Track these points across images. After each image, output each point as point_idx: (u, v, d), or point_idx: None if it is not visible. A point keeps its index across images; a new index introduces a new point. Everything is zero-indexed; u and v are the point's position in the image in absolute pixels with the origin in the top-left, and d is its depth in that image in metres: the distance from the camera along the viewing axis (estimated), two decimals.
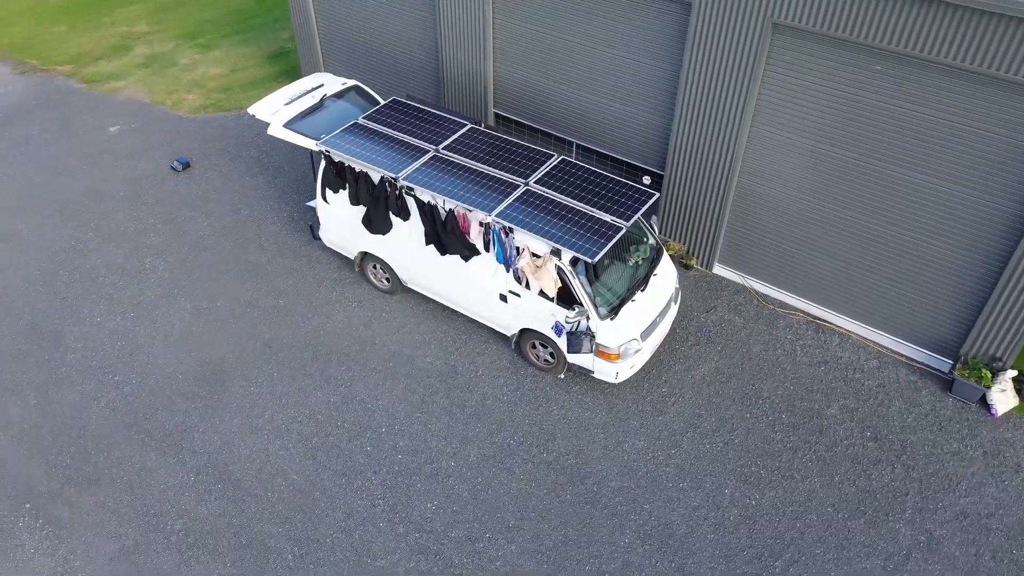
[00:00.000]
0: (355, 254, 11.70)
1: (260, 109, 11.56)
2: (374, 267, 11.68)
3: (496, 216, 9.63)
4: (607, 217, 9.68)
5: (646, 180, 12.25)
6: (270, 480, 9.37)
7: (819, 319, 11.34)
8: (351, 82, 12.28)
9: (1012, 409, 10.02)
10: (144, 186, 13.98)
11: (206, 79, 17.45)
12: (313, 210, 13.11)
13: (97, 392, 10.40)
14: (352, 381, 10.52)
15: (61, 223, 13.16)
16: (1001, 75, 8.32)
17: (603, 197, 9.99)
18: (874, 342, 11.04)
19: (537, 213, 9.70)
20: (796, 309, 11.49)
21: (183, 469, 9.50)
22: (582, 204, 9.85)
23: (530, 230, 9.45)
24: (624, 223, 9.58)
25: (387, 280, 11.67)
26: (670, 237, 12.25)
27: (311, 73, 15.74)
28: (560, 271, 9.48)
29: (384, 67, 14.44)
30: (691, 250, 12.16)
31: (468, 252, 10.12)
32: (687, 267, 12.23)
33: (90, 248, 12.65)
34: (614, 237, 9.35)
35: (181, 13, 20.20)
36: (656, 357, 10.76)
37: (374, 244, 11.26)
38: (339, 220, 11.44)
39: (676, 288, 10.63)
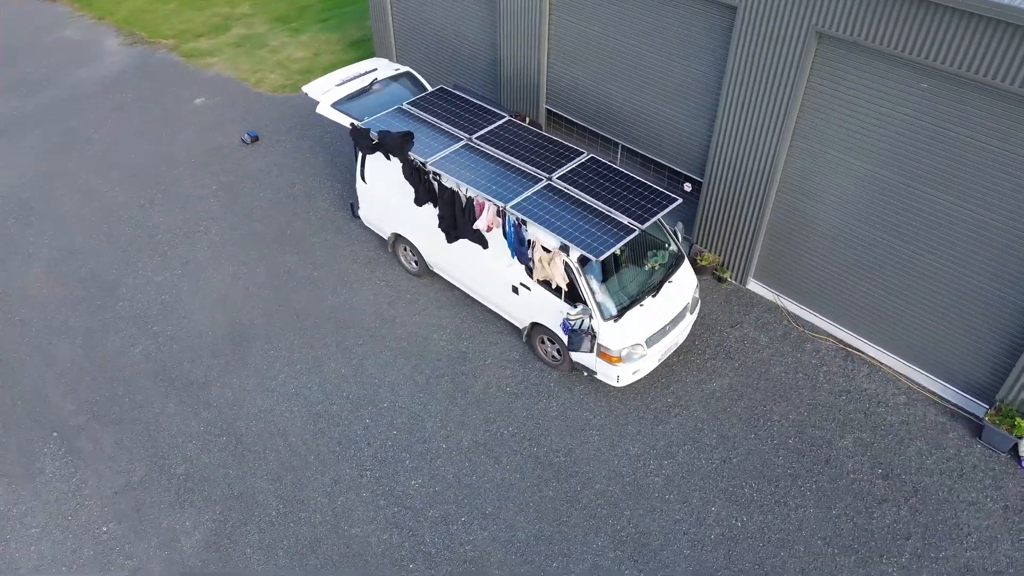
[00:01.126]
0: (388, 235, 12.05)
1: (313, 88, 12.09)
2: (405, 249, 11.99)
3: (511, 207, 9.71)
4: (623, 218, 9.58)
5: (687, 187, 12.01)
6: (271, 439, 9.82)
7: (850, 347, 10.80)
8: (404, 68, 12.64)
9: None
10: (214, 155, 14.86)
11: (290, 60, 18.31)
12: None
13: (135, 340, 11.19)
14: (365, 356, 10.86)
15: (135, 184, 14.18)
16: None
17: (624, 198, 9.89)
18: (905, 376, 10.42)
19: (553, 208, 9.71)
20: (827, 334, 10.99)
21: (196, 419, 10.09)
22: (601, 203, 9.79)
23: (542, 224, 9.48)
24: (639, 225, 9.46)
25: (416, 263, 11.96)
26: (705, 247, 11.96)
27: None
28: (568, 267, 9.46)
29: (450, 59, 14.76)
30: (726, 262, 11.83)
31: (479, 242, 10.26)
32: (720, 279, 11.91)
33: (155, 209, 13.58)
34: (624, 238, 9.25)
35: None
36: (667, 366, 10.56)
37: (404, 226, 11.57)
38: (376, 201, 11.81)
39: (694, 298, 10.39)
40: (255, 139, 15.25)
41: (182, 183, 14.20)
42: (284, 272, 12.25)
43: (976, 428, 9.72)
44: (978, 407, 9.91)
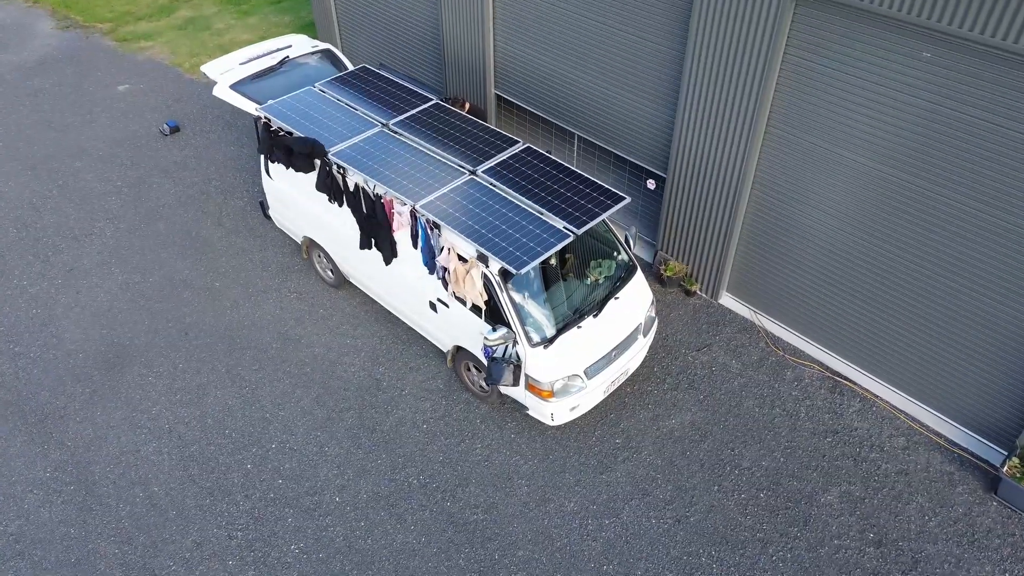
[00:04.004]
0: (301, 239, 10.32)
1: (213, 68, 10.36)
2: (319, 256, 10.25)
3: (421, 207, 7.95)
4: (558, 222, 7.81)
5: (650, 184, 10.24)
6: (128, 489, 8.09)
7: (839, 375, 9.01)
8: (323, 45, 10.91)
9: None
10: (126, 147, 13.17)
11: (233, 44, 16.64)
12: None
13: None
14: (259, 383, 9.12)
15: (31, 179, 12.50)
16: None
17: (561, 197, 8.12)
18: (905, 413, 8.61)
19: (473, 209, 7.95)
20: (812, 360, 9.19)
21: (43, 462, 8.37)
22: (533, 203, 8.02)
23: (457, 228, 7.72)
24: (574, 230, 7.68)
25: (332, 272, 10.21)
26: (671, 255, 10.18)
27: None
28: (487, 281, 7.69)
29: (395, 41, 13.00)
30: (694, 272, 10.04)
31: (391, 252, 8.52)
32: (689, 293, 10.13)
33: (47, 207, 11.89)
34: (553, 247, 7.47)
35: None
36: (618, 396, 8.79)
37: (314, 229, 9.83)
38: (284, 199, 10.08)
39: (650, 316, 8.60)
40: (175, 129, 13.54)
41: (84, 178, 12.50)
42: (180, 281, 10.52)
43: (992, 480, 7.91)
44: (995, 453, 8.09)
